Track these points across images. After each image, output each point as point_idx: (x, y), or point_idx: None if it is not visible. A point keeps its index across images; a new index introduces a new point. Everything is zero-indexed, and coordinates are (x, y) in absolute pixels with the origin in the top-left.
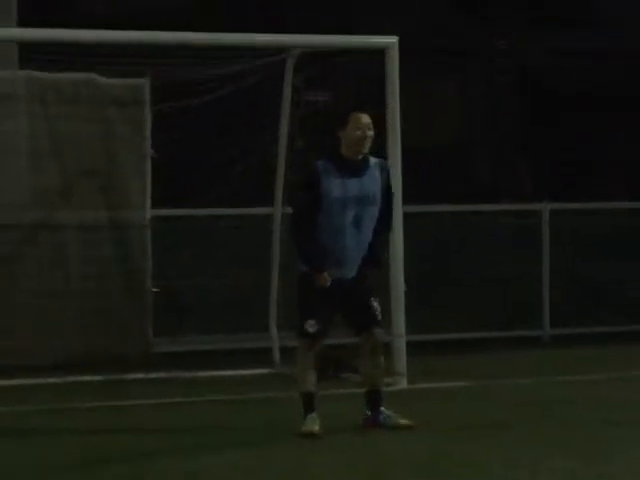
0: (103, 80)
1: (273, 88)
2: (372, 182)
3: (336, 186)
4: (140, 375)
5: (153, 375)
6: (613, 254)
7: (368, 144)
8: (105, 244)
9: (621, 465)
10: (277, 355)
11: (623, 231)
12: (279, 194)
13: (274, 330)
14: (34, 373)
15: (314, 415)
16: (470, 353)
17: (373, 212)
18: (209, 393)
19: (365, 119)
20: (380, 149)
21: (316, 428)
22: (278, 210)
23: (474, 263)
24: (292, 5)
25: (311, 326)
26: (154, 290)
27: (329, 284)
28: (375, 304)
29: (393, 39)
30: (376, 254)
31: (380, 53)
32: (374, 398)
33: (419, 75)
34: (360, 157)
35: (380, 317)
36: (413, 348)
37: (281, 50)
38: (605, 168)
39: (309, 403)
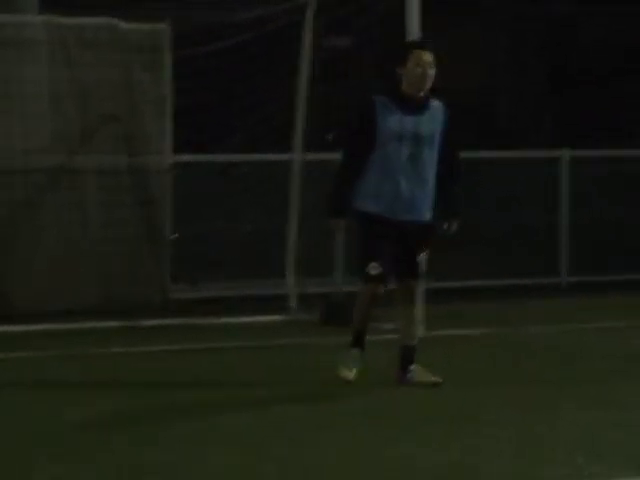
0: (124, 25)
1: (293, 33)
2: (431, 122)
3: (393, 121)
4: (157, 321)
5: (170, 321)
6: (633, 202)
7: (429, 82)
8: (125, 189)
9: (638, 414)
10: (294, 302)
11: None
12: (299, 140)
13: (291, 277)
14: (51, 319)
15: (357, 352)
16: (488, 300)
17: (431, 153)
18: (226, 340)
19: (427, 56)
20: None
21: (351, 375)
22: (298, 156)
23: (493, 210)
24: None
25: (374, 268)
26: (173, 236)
27: (339, 230)
28: (421, 258)
29: None
30: (453, 205)
31: None
32: (404, 355)
33: (442, 22)
34: (421, 94)
35: (422, 272)
36: (431, 295)
37: None
38: (631, 116)
39: (359, 338)
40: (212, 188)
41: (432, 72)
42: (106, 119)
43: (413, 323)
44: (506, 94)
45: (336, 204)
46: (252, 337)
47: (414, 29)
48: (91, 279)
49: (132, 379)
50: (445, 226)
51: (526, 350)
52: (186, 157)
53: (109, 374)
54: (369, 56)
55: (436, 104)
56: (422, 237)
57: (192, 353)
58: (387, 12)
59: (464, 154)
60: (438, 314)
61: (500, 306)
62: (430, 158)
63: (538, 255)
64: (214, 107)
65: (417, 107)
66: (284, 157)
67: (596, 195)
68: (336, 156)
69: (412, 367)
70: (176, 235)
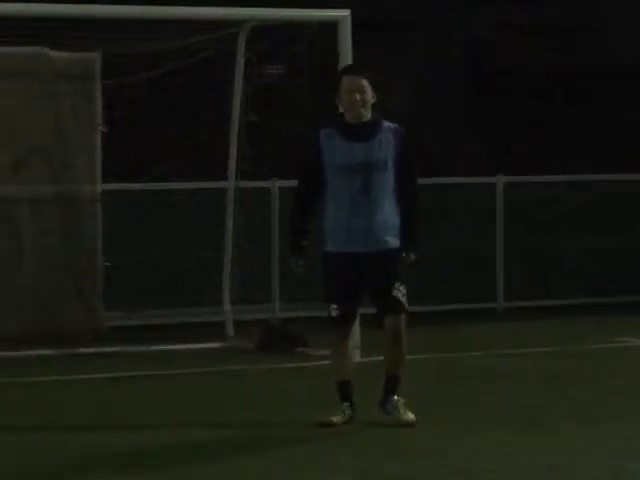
0: (54, 54)
1: (225, 62)
2: (382, 147)
3: (340, 152)
4: (94, 349)
5: (106, 349)
6: (567, 227)
7: (364, 107)
8: (56, 218)
9: (564, 438)
10: (230, 329)
11: (576, 204)
12: (232, 168)
13: (227, 304)
14: None
15: (347, 404)
16: (424, 326)
17: (384, 179)
18: (162, 367)
19: (356, 82)
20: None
21: (334, 419)
22: (231, 184)
23: (430, 236)
24: None
25: (333, 310)
26: (106, 264)
27: (300, 270)
28: (397, 290)
29: (345, 12)
30: (408, 234)
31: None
32: (386, 384)
33: (370, 48)
34: (365, 120)
35: (404, 303)
36: (367, 321)
37: (233, 24)
38: (556, 142)
39: (342, 391)
40: (146, 216)
41: (365, 96)
42: (37, 148)
43: (399, 354)
44: (433, 120)
45: (291, 244)
46: (189, 364)
47: (347, 56)
48: (24, 307)
49: (71, 407)
50: (403, 257)
51: (457, 374)
52: (118, 185)
53: (48, 402)
54: (302, 85)
55: (388, 126)
56: (389, 265)
57: (129, 380)
58: (320, 40)
59: None
60: (373, 340)
61: (437, 332)
62: (384, 184)
63: (475, 280)
64: (147, 135)
65: (365, 133)
66: (219, 185)
67: (531, 221)
68: (269, 184)
69: (394, 398)
70: (108, 264)
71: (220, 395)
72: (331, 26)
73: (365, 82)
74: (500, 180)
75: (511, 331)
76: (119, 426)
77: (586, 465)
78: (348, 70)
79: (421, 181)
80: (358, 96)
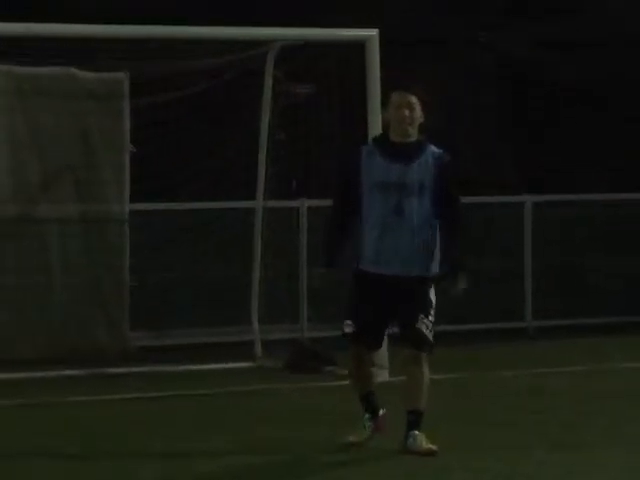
0: (82, 74)
1: (254, 81)
2: (421, 170)
3: (378, 170)
4: (122, 369)
5: (134, 369)
6: (597, 246)
7: (411, 124)
8: (84, 238)
9: (598, 455)
10: (259, 348)
11: (606, 222)
12: (260, 187)
13: (256, 323)
14: (12, 367)
15: (368, 416)
16: (453, 345)
17: (419, 204)
18: (190, 387)
19: (404, 97)
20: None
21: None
22: (259, 203)
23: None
24: None
25: (347, 326)
26: (132, 284)
27: (319, 281)
28: (422, 323)
29: (373, 32)
30: (451, 261)
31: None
32: (409, 419)
33: (400, 66)
34: (410, 140)
35: (428, 338)
36: (396, 340)
37: (261, 43)
38: (588, 160)
39: (364, 403)
40: (173, 236)
41: (413, 114)
42: (65, 168)
43: (418, 388)
44: (464, 137)
45: (325, 260)
46: (217, 384)
47: (375, 74)
48: (54, 327)
49: (97, 427)
50: (451, 288)
51: (486, 394)
52: (146, 205)
53: (74, 422)
54: (330, 103)
55: (431, 151)
56: (416, 294)
57: (155, 400)
58: (347, 58)
59: None
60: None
61: (465, 351)
62: (419, 208)
63: (503, 300)
64: (174, 154)
65: (406, 154)
66: (246, 204)
67: (559, 239)
68: (298, 204)
69: (415, 433)
70: (135, 283)
71: (248, 414)
72: (360, 45)
73: (415, 99)
74: (528, 199)
75: (541, 350)
76: (147, 447)
77: None
78: (398, 86)
79: None
80: (407, 112)
